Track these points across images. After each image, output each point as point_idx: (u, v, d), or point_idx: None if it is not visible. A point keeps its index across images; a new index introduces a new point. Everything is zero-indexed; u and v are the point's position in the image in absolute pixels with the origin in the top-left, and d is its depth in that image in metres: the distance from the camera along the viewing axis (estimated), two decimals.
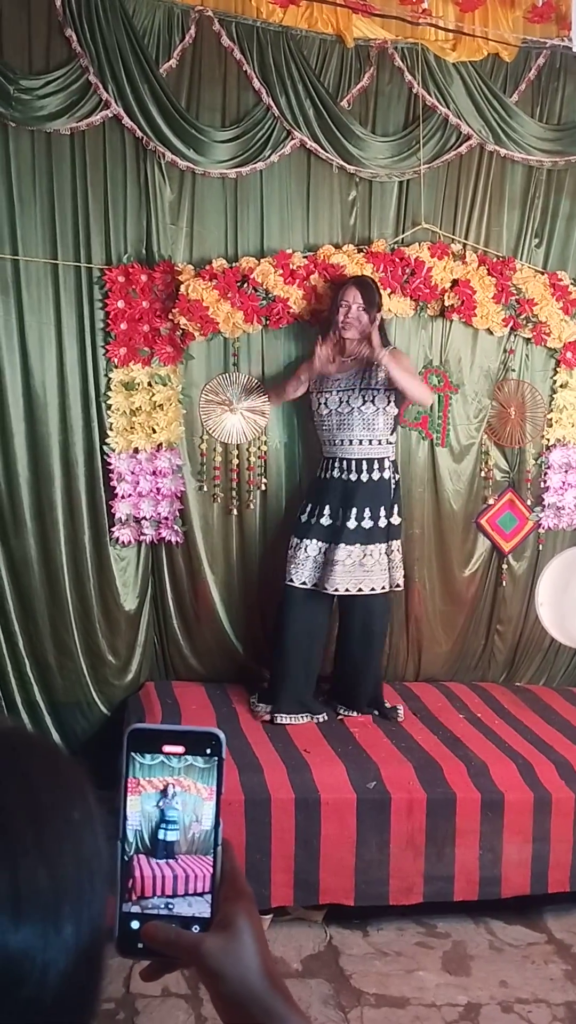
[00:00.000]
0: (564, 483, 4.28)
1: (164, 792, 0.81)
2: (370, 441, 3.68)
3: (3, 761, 0.61)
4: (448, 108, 3.91)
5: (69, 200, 3.64)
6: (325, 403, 3.70)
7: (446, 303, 3.95)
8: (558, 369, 4.20)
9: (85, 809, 0.64)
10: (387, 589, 3.76)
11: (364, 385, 3.67)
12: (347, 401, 3.67)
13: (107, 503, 3.85)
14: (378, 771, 3.36)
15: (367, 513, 3.67)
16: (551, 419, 4.22)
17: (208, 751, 0.81)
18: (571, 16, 3.77)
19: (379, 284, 3.77)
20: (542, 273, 4.07)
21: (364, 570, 3.68)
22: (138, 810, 0.81)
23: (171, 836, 0.81)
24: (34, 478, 3.78)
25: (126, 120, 3.61)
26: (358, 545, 3.66)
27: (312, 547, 3.71)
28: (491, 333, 4.06)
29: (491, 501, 4.25)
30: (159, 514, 3.88)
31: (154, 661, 4.11)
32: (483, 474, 4.23)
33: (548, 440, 4.25)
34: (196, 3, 3.66)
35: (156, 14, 3.63)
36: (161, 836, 0.81)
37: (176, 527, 3.92)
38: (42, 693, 3.92)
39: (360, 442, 3.67)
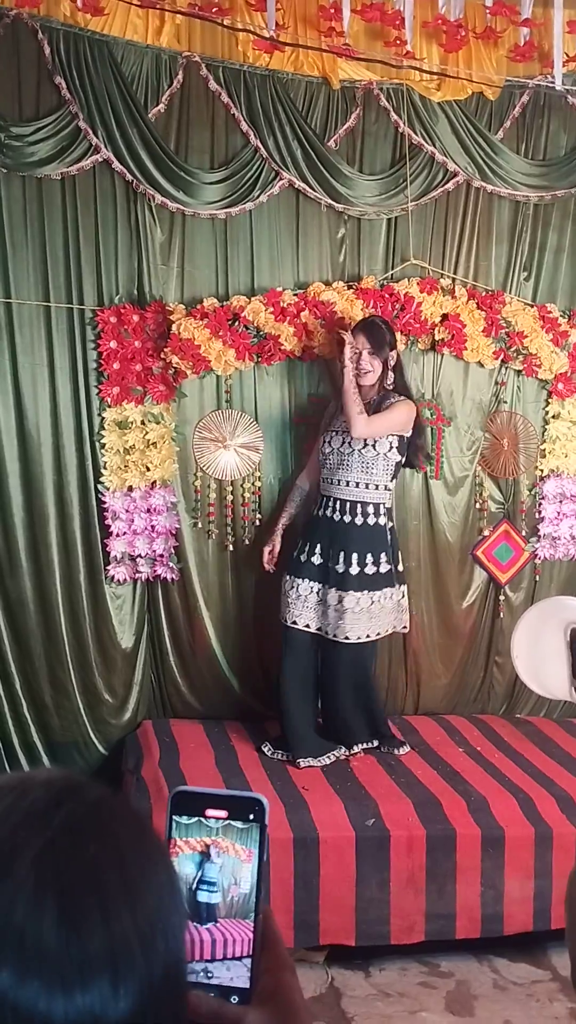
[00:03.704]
0: (559, 513, 4.28)
1: (205, 853, 0.80)
2: (366, 485, 3.65)
3: (97, 835, 0.63)
4: (434, 146, 3.96)
5: (61, 243, 3.69)
6: (329, 441, 3.69)
7: (436, 337, 3.98)
8: (550, 400, 4.22)
9: (168, 877, 0.65)
10: (389, 632, 3.76)
11: None
12: (349, 443, 3.63)
13: (102, 541, 3.85)
14: (377, 808, 3.33)
15: (368, 559, 3.63)
16: (544, 450, 4.24)
17: (251, 816, 0.80)
18: (553, 54, 3.84)
19: (389, 323, 3.75)
20: (531, 306, 4.11)
21: (371, 616, 3.66)
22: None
23: (212, 899, 0.79)
24: (29, 518, 3.79)
25: (116, 164, 3.66)
26: (366, 592, 3.62)
27: (304, 586, 3.68)
28: (482, 366, 4.08)
29: (486, 532, 4.26)
30: (154, 552, 3.89)
31: (151, 699, 4.10)
32: (478, 506, 4.24)
33: (542, 471, 4.26)
34: (183, 49, 3.72)
35: (144, 60, 3.69)
36: (203, 899, 0.79)
37: (171, 564, 3.92)
38: (39, 734, 3.90)
39: (356, 484, 3.64)
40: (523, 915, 3.31)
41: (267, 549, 3.81)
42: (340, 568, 3.62)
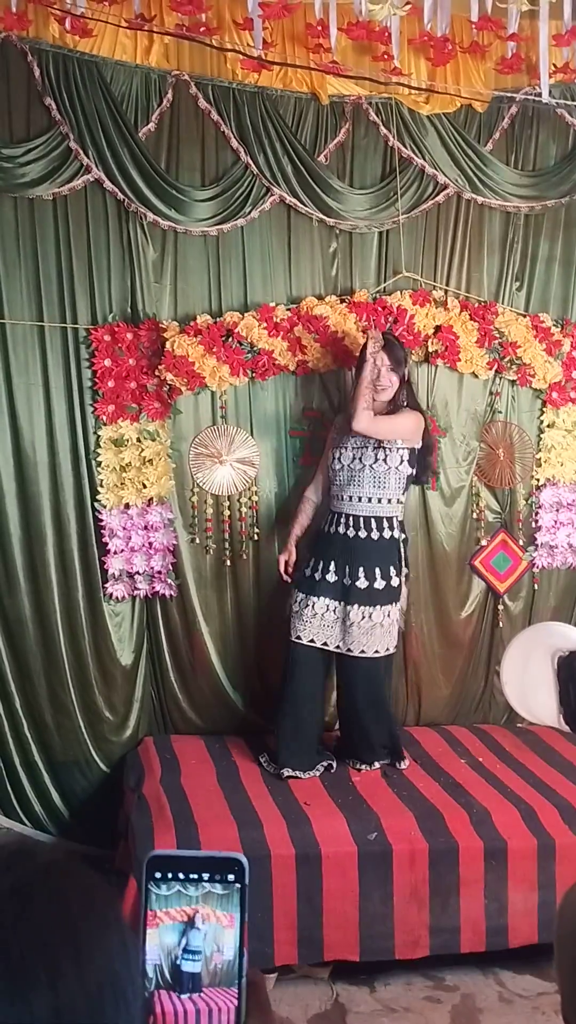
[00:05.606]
0: (556, 522, 4.28)
1: (190, 922, 0.78)
2: (379, 499, 3.66)
3: (46, 899, 0.62)
4: (424, 159, 3.97)
5: (53, 263, 3.70)
6: (339, 458, 3.68)
7: (430, 349, 3.99)
8: (544, 409, 4.22)
9: (120, 940, 0.65)
10: (388, 651, 3.72)
11: (377, 443, 3.65)
12: (360, 458, 3.65)
13: (100, 559, 3.85)
14: (379, 822, 3.32)
15: (376, 573, 3.63)
16: (540, 459, 4.24)
17: (231, 877, 0.79)
18: (540, 66, 3.86)
19: (402, 341, 3.78)
20: (524, 316, 4.12)
21: (363, 632, 3.64)
22: (156, 943, 0.78)
23: (196, 967, 0.78)
24: (26, 537, 3.80)
25: (107, 184, 3.67)
26: (362, 607, 3.63)
27: (320, 604, 3.66)
28: (476, 376, 4.09)
29: (484, 542, 4.26)
30: (152, 568, 3.89)
31: (152, 716, 4.09)
32: (475, 516, 4.24)
33: (538, 480, 4.26)
34: (172, 68, 3.74)
35: (133, 80, 3.71)
36: (186, 968, 0.78)
37: (169, 581, 3.93)
38: (40, 753, 3.90)
39: (369, 499, 3.65)
40: (528, 927, 3.30)
41: (283, 559, 3.83)
42: (360, 584, 3.62)
